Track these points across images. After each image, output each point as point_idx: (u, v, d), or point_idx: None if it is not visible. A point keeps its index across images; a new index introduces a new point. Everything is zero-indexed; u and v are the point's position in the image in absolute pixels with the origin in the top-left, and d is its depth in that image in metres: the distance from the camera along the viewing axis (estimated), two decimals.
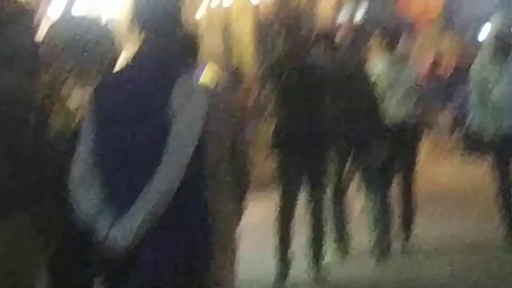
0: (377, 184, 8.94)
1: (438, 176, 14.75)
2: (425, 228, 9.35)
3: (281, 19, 16.30)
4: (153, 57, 3.66)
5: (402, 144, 8.94)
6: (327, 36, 9.00)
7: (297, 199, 8.09)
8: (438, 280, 7.90)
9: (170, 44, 3.73)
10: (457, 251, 8.71)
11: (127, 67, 3.80)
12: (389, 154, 8.90)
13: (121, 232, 3.41)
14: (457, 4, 20.84)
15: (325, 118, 8.21)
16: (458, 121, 16.21)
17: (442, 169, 15.96)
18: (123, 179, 3.55)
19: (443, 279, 7.85)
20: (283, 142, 8.15)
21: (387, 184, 9.07)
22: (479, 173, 11.78)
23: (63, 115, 6.75)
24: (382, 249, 8.68)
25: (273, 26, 16.97)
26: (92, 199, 3.56)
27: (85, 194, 3.60)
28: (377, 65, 9.41)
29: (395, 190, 9.20)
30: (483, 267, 8.04)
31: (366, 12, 21.73)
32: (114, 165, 3.59)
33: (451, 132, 17.34)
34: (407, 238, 9.03)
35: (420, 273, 8.16)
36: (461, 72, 16.12)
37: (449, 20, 20.25)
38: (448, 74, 17.92)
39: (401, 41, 10.46)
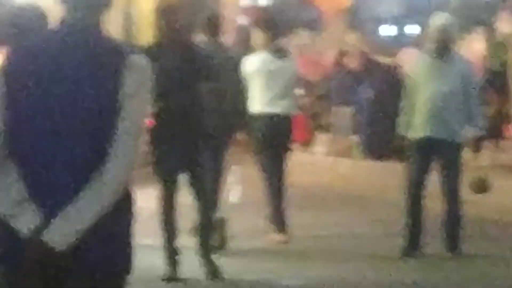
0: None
1: (330, 177, 14.76)
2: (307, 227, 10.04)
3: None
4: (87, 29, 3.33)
5: (274, 137, 9.55)
6: (216, 22, 9.33)
7: (176, 191, 8.21)
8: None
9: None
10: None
11: (54, 36, 3.35)
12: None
13: (59, 234, 3.07)
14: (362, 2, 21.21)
15: (200, 109, 8.39)
16: (359, 122, 16.06)
17: (339, 170, 15.69)
18: (49, 168, 3.17)
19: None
20: (157, 134, 8.25)
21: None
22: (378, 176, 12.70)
23: None
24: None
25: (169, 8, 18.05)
26: (8, 191, 3.17)
27: None
28: (255, 56, 9.83)
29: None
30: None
31: None
32: (36, 151, 3.19)
33: (352, 132, 16.84)
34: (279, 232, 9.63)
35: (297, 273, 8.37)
36: (366, 72, 16.60)
37: (356, 16, 20.37)
38: (354, 73, 17.37)
39: (280, 35, 11.55)
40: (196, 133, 8.30)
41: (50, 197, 3.12)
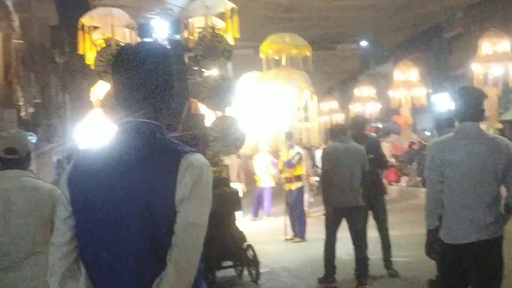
0: None
1: None
2: None
3: None
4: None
5: None
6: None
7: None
8: None
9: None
10: None
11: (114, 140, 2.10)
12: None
13: None
14: (419, 121, 24.95)
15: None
16: (421, 171, 16.33)
17: (411, 192, 16.90)
18: (114, 271, 1.98)
19: None
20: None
21: None
22: None
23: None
24: None
25: None
26: None
27: None
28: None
29: None
30: None
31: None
32: (102, 257, 2.00)
33: (417, 175, 18.09)
34: None
35: None
36: (421, 149, 18.44)
37: (415, 127, 23.98)
38: (416, 150, 19.72)
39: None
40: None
41: None
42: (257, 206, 14.76)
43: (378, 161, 8.02)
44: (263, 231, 12.72)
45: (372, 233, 8.05)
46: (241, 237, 8.08)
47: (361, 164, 7.48)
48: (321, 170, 7.80)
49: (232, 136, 8.23)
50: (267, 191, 14.49)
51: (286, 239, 11.33)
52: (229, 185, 8.47)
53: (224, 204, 7.87)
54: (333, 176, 7.40)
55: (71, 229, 2.07)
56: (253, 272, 7.98)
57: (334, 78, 34.03)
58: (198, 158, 2.04)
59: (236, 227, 8.22)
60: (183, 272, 1.94)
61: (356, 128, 8.31)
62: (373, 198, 7.83)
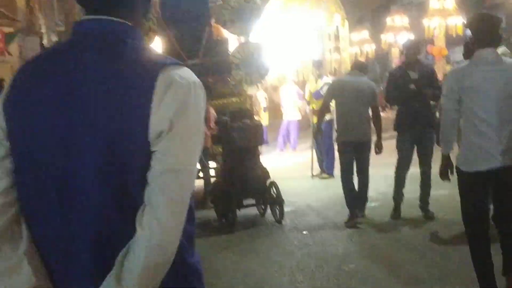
0: None
1: None
2: None
3: None
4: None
5: None
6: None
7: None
8: None
9: None
10: None
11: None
12: None
13: None
14: (454, 52, 23.51)
15: (427, 105, 7.25)
16: None
17: None
18: (65, 234, 1.44)
19: None
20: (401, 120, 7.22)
21: None
22: None
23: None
24: None
25: None
26: (16, 274, 1.44)
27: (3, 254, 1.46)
28: None
29: None
30: None
31: None
32: (49, 215, 1.45)
33: None
34: None
35: None
36: None
37: (449, 57, 23.20)
38: None
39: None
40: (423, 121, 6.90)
41: (65, 276, 1.46)
42: (283, 139, 14.22)
43: (433, 93, 6.98)
44: (288, 166, 12.10)
45: (412, 169, 7.36)
46: (264, 173, 7.52)
47: (370, 99, 7.22)
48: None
49: (256, 64, 7.68)
50: (293, 124, 14.02)
51: (313, 176, 10.68)
52: (252, 117, 7.87)
53: (246, 138, 7.37)
54: (338, 109, 7.29)
55: (9, 174, 1.51)
56: (277, 211, 7.46)
57: (365, 7, 32.80)
58: (183, 73, 1.47)
59: (259, 163, 7.64)
60: (159, 240, 1.38)
61: (408, 54, 7.31)
62: (420, 132, 7.09)
